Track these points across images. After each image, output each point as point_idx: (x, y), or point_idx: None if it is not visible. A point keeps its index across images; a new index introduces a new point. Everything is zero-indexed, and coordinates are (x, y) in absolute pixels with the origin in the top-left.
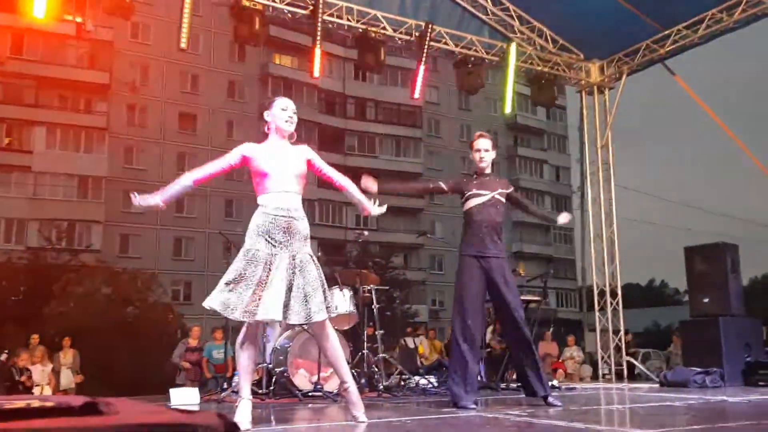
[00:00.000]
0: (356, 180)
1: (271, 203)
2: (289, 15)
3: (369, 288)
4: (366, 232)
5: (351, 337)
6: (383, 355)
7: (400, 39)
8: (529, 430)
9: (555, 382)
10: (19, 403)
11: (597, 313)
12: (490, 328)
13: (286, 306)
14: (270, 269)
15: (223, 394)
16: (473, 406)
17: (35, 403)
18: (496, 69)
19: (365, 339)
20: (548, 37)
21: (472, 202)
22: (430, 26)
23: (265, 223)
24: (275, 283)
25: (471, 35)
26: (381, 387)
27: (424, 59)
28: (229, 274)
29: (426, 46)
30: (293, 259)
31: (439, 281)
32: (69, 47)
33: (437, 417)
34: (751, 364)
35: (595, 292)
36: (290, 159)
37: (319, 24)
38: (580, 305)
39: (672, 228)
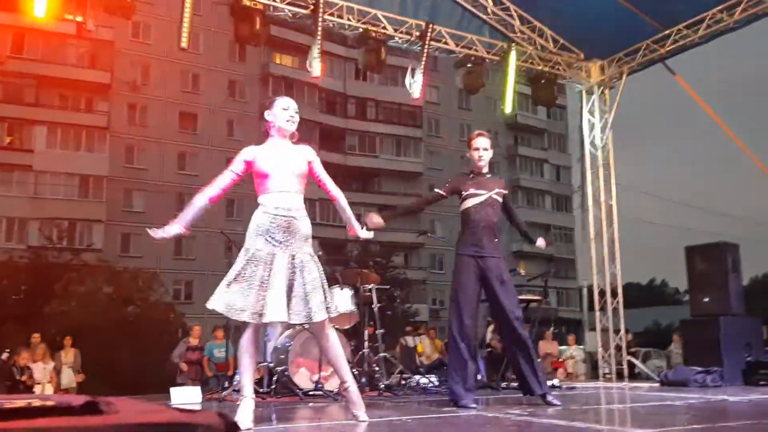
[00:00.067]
0: (358, 179)
1: (271, 203)
2: (290, 14)
3: (370, 287)
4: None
5: (352, 336)
6: (384, 354)
7: (400, 38)
8: (529, 429)
9: (556, 382)
10: (19, 402)
11: (597, 313)
12: (490, 328)
13: (287, 306)
14: (270, 269)
15: (224, 393)
16: (474, 405)
17: (36, 403)
18: (497, 68)
19: (366, 338)
20: (549, 37)
21: (470, 202)
22: (430, 26)
23: (265, 223)
24: (276, 284)
25: (471, 35)
26: (382, 386)
27: (424, 59)
28: (231, 275)
29: (426, 46)
30: (293, 259)
31: (439, 280)
32: (70, 46)
33: (438, 416)
34: (752, 364)
35: (596, 291)
36: (291, 159)
37: (320, 23)
38: (581, 305)
39: (672, 227)
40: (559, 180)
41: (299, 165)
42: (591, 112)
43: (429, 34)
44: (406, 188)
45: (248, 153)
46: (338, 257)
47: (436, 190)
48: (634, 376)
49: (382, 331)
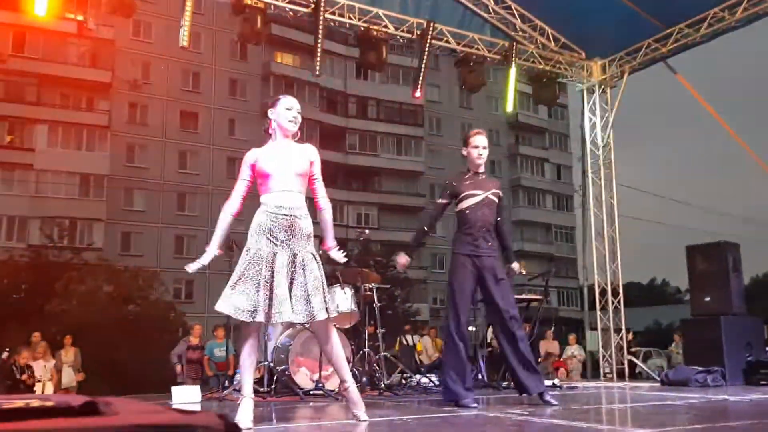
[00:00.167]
0: (359, 178)
1: (272, 202)
2: (291, 13)
3: (370, 286)
4: (367, 231)
5: (352, 335)
6: (385, 353)
7: (401, 37)
8: (530, 429)
9: (556, 381)
10: (18, 402)
11: (598, 312)
12: (491, 328)
13: (291, 305)
14: (273, 268)
15: (224, 392)
16: (474, 404)
17: (34, 403)
18: (498, 67)
19: (366, 337)
20: (550, 36)
21: (467, 203)
22: (431, 24)
23: (267, 222)
24: (281, 283)
25: (473, 33)
26: (382, 385)
27: (425, 57)
28: (235, 276)
29: (427, 45)
30: (294, 258)
31: (440, 280)
32: (70, 45)
33: (439, 416)
34: (753, 363)
35: (597, 290)
36: (292, 158)
37: (321, 22)
38: (582, 304)
39: (673, 227)
40: (560, 179)
41: (301, 164)
42: (592, 111)
43: (430, 32)
44: (406, 187)
45: (251, 156)
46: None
47: (438, 201)
48: (635, 375)
49: (382, 330)
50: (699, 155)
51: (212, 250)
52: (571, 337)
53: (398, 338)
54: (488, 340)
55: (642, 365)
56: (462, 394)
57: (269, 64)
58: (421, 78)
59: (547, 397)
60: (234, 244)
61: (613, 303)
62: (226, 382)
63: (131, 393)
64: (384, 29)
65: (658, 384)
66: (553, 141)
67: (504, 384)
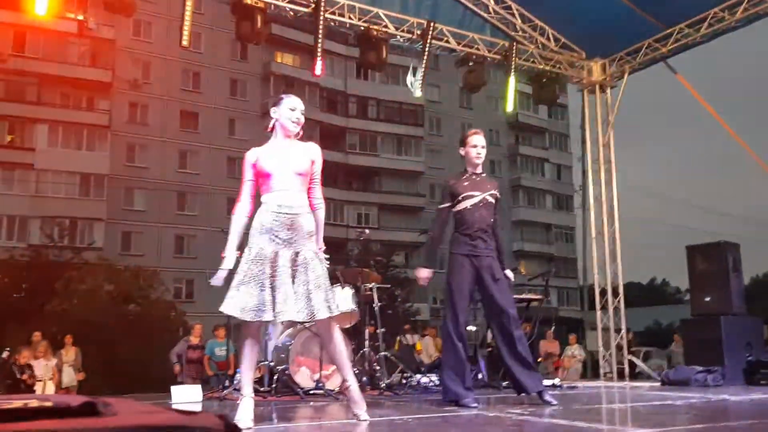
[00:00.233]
0: (359, 178)
1: (273, 201)
2: (291, 13)
3: (370, 286)
4: (367, 231)
5: (352, 335)
6: (385, 353)
7: (401, 37)
8: (530, 428)
9: (556, 381)
10: (16, 403)
11: (598, 312)
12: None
13: (293, 303)
14: (276, 267)
15: (225, 391)
16: (475, 404)
17: (33, 403)
18: (498, 67)
19: (367, 337)
20: (550, 36)
21: (464, 204)
22: (431, 24)
23: (269, 221)
24: (284, 282)
25: (473, 33)
26: (383, 385)
27: (425, 57)
28: (238, 276)
29: (428, 45)
30: (297, 256)
31: (440, 280)
32: (71, 45)
33: (439, 415)
34: (753, 363)
35: (597, 290)
36: (293, 157)
37: (321, 22)
38: (582, 304)
39: (673, 227)
40: (560, 179)
41: (302, 163)
42: (592, 111)
43: (430, 32)
44: (406, 187)
45: (252, 156)
46: (338, 256)
47: (442, 206)
48: (635, 375)
49: (382, 330)
50: (699, 155)
51: (232, 253)
52: (572, 337)
53: (398, 338)
54: (488, 340)
55: (642, 365)
56: (462, 393)
57: (269, 64)
58: (421, 77)
59: (547, 397)
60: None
61: (613, 303)
62: (227, 382)
63: (132, 392)
64: (384, 29)
65: (659, 384)
66: (553, 141)
67: (504, 384)
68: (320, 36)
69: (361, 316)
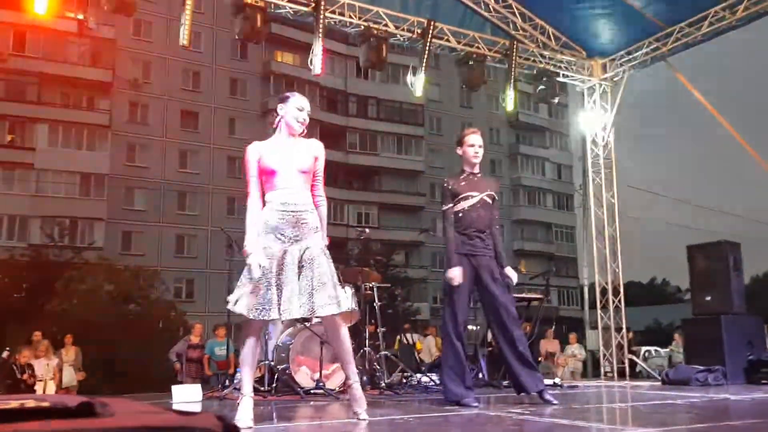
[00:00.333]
0: (359, 177)
1: (277, 199)
2: (291, 12)
3: (371, 286)
4: (367, 230)
5: (353, 334)
6: (385, 352)
7: (401, 36)
8: (531, 428)
9: (557, 380)
10: (13, 403)
11: (599, 311)
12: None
13: (298, 300)
14: (283, 265)
15: (225, 391)
16: (475, 403)
17: (30, 404)
18: (499, 66)
19: (367, 336)
20: (551, 35)
21: (463, 204)
22: (432, 23)
23: (274, 220)
24: (290, 281)
25: (473, 32)
26: (383, 384)
27: (426, 56)
28: (245, 275)
29: (428, 43)
30: (303, 253)
31: (440, 279)
32: (71, 44)
33: (440, 415)
34: (754, 362)
35: (597, 290)
36: (296, 154)
37: (321, 21)
38: (582, 303)
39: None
40: (560, 178)
41: (305, 161)
42: (593, 110)
43: (431, 31)
44: (407, 186)
45: (254, 151)
46: (339, 255)
47: (446, 208)
48: (636, 374)
49: (383, 329)
50: (699, 154)
51: (257, 243)
52: (572, 336)
53: (398, 337)
54: (488, 339)
55: (642, 364)
56: (462, 393)
57: (269, 63)
58: (422, 76)
59: (547, 396)
60: (233, 242)
61: (613, 302)
62: (227, 381)
63: (132, 392)
64: (384, 28)
65: (659, 383)
66: (553, 140)
67: (505, 383)
68: (320, 35)
69: (362, 316)
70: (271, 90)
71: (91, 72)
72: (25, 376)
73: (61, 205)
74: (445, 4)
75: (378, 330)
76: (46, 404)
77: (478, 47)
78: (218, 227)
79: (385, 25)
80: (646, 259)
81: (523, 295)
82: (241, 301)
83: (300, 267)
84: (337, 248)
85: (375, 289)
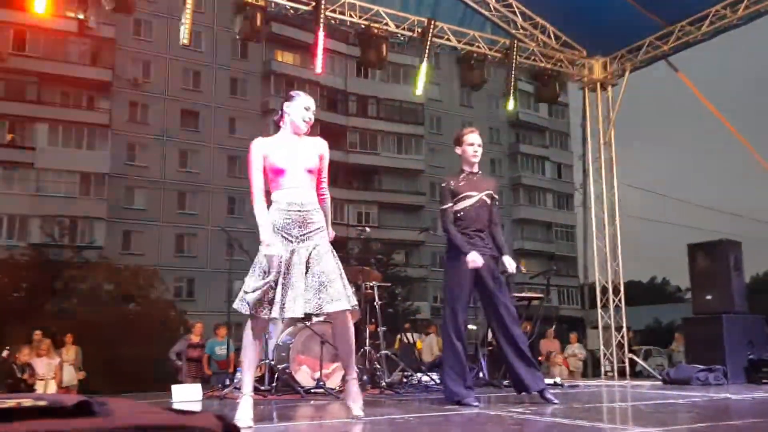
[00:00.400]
0: (359, 177)
1: (284, 199)
2: (291, 11)
3: (371, 285)
4: (368, 229)
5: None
6: (386, 351)
7: (402, 35)
8: (531, 427)
9: (557, 380)
10: (9, 402)
11: (599, 311)
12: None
13: (303, 298)
14: (290, 265)
15: (225, 390)
16: (476, 403)
17: (27, 403)
18: (499, 65)
19: (367, 336)
20: (551, 34)
21: (462, 204)
22: (432, 22)
23: (280, 220)
24: (296, 280)
25: (473, 31)
26: (383, 384)
27: (426, 55)
28: (251, 274)
29: (428, 43)
30: (309, 252)
31: (440, 278)
32: (71, 44)
33: (440, 414)
34: (754, 362)
35: (598, 289)
36: (302, 153)
37: (321, 20)
38: (582, 302)
39: (674, 225)
40: (560, 178)
41: (311, 160)
42: (593, 110)
43: (431, 30)
44: (407, 186)
45: (260, 147)
46: (339, 255)
47: (446, 206)
48: (636, 374)
49: (383, 328)
50: (700, 153)
51: (273, 235)
52: (572, 336)
53: (398, 336)
54: (489, 339)
55: (643, 363)
56: (463, 393)
57: (270, 62)
58: (423, 76)
59: (548, 395)
60: (234, 242)
61: (613, 301)
62: (227, 381)
63: (132, 391)
64: (385, 27)
65: (660, 382)
66: (553, 139)
67: (505, 382)
68: (321, 34)
69: (362, 315)
70: (271, 89)
71: (91, 71)
72: (26, 376)
73: (61, 204)
74: (445, 3)
75: (378, 329)
76: (43, 403)
77: (478, 46)
78: (218, 227)
79: (386, 24)
80: (646, 259)
81: (524, 294)
82: (245, 298)
83: (307, 266)
84: (337, 247)
85: (375, 289)
